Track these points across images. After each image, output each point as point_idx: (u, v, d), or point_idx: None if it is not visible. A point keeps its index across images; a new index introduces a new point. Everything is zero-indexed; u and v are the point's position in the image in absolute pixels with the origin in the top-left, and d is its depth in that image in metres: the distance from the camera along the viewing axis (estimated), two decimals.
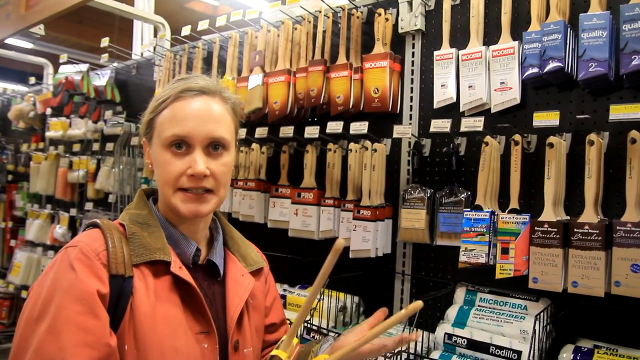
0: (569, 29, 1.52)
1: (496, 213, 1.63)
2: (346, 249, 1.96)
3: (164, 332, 1.01)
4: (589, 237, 1.41)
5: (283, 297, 2.08)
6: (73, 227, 3.70)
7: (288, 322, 1.76)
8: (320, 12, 2.15)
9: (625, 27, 1.39)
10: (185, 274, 1.07)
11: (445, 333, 1.57)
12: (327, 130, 2.01)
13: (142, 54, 3.35)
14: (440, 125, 1.73)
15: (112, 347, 0.95)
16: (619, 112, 1.39)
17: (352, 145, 2.02)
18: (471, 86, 1.74)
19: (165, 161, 1.08)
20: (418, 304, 1.00)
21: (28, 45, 7.12)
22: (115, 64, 3.49)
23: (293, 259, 2.30)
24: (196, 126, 1.07)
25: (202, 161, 1.07)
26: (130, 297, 1.00)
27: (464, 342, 1.52)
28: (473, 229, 1.63)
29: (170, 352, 1.01)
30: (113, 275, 0.99)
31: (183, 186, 1.07)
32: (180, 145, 1.07)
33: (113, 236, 1.04)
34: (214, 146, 1.10)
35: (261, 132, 2.30)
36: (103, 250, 1.01)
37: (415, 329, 1.52)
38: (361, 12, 2.08)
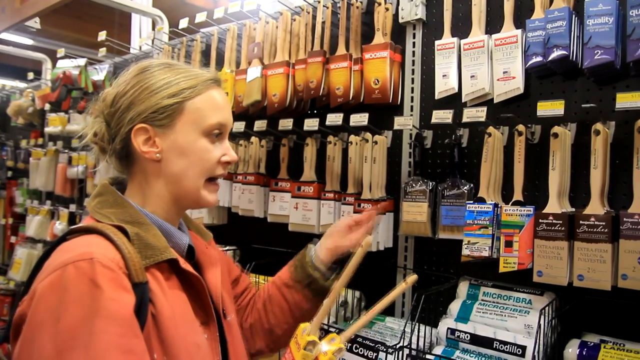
0: (573, 16, 1.48)
1: (499, 205, 1.59)
2: None
3: (185, 331, 0.99)
4: (595, 229, 1.38)
5: None
6: (73, 223, 3.68)
7: None
8: (319, 2, 2.11)
9: (632, 12, 1.35)
10: (191, 269, 1.05)
11: (448, 328, 1.54)
12: (327, 123, 1.98)
13: (140, 47, 3.32)
14: (442, 116, 1.70)
15: None
16: (625, 100, 1.35)
17: (352, 138, 1.99)
18: (473, 76, 1.70)
19: (205, 149, 1.08)
20: (415, 277, 1.14)
21: (28, 41, 7.10)
22: (115, 59, 3.46)
23: (293, 253, 2.26)
24: (229, 115, 1.13)
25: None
26: (149, 303, 0.94)
27: (467, 337, 1.49)
28: (476, 222, 1.60)
29: (194, 349, 0.99)
30: (135, 284, 0.92)
31: (216, 174, 1.10)
32: (219, 134, 1.11)
33: (123, 240, 0.96)
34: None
35: (260, 125, 2.27)
36: (120, 258, 0.92)
37: (417, 323, 1.50)
38: (361, 2, 2.04)
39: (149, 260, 0.98)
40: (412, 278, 1.14)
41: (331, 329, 1.62)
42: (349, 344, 1.55)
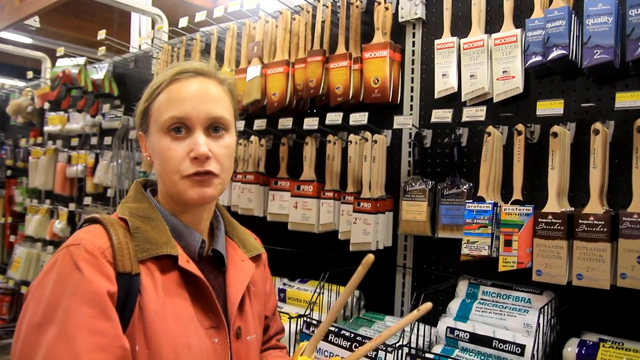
0: (573, 15, 1.48)
1: (499, 204, 1.59)
2: (346, 242, 1.93)
3: (175, 329, 0.98)
4: (594, 229, 1.38)
5: (283, 291, 2.06)
6: (72, 222, 3.68)
7: (287, 315, 1.74)
8: (319, 1, 2.11)
9: (631, 12, 1.35)
10: (193, 268, 1.04)
11: (448, 327, 1.54)
12: (327, 122, 1.98)
13: (139, 46, 3.31)
14: (442, 115, 1.70)
15: (126, 349, 0.91)
16: (624, 100, 1.35)
17: (352, 137, 1.99)
18: (473, 75, 1.70)
19: (165, 147, 1.03)
20: (429, 305, 1.12)
21: (27, 40, 7.09)
22: (114, 58, 3.46)
23: (293, 252, 2.27)
24: (195, 107, 1.04)
25: (203, 142, 1.03)
26: (138, 295, 0.95)
27: (467, 336, 1.49)
28: (475, 221, 1.60)
29: (183, 349, 0.97)
30: (120, 273, 0.94)
31: (187, 172, 1.03)
32: (180, 129, 1.04)
33: (117, 231, 0.99)
34: (215, 127, 1.07)
35: (260, 124, 2.27)
36: (108, 247, 0.95)
37: (416, 322, 1.50)
38: (360, 1, 2.04)
39: (145, 253, 1.00)
40: (426, 306, 1.11)
41: (330, 327, 1.62)
42: (348, 343, 1.55)
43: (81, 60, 3.45)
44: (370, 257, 1.05)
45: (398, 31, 1.96)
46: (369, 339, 1.55)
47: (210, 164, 1.04)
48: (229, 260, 1.17)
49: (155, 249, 1.01)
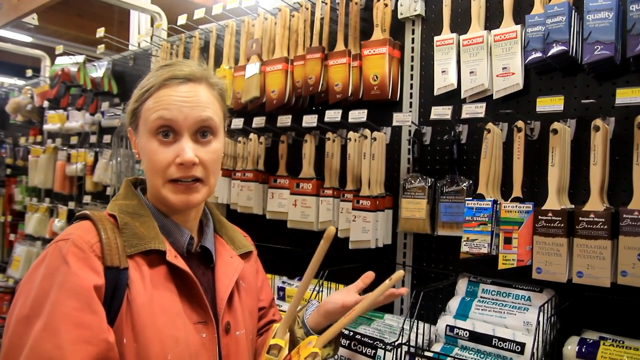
0: (573, 11, 1.47)
1: (499, 202, 1.58)
2: (345, 240, 1.92)
3: (162, 323, 0.99)
4: (594, 226, 1.37)
5: (282, 289, 2.05)
6: (71, 221, 3.68)
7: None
8: None
9: (632, 7, 1.34)
10: (181, 263, 1.05)
11: (447, 325, 1.53)
12: (326, 119, 1.97)
13: (139, 44, 3.30)
14: (441, 112, 1.69)
15: (110, 342, 0.92)
16: (625, 96, 1.34)
17: (351, 134, 1.98)
18: (472, 72, 1.69)
19: (152, 150, 1.05)
20: (401, 272, 1.20)
21: (26, 38, 7.08)
22: (113, 56, 3.45)
23: (292, 250, 2.27)
24: (183, 112, 1.05)
25: (190, 149, 1.04)
26: (126, 289, 0.97)
27: (466, 334, 1.48)
28: (475, 219, 1.59)
29: (170, 342, 0.99)
30: (108, 267, 0.96)
31: (172, 177, 1.05)
32: (167, 133, 1.05)
33: (105, 227, 1.01)
34: (202, 133, 1.08)
35: (259, 121, 2.26)
36: (96, 242, 0.98)
37: (416, 321, 1.49)
38: None
39: (134, 248, 1.01)
40: (398, 274, 1.14)
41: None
42: (347, 342, 1.55)
43: (80, 59, 3.44)
44: (331, 230, 1.08)
45: (397, 28, 1.95)
46: (368, 337, 1.54)
47: (196, 170, 1.06)
48: (218, 257, 1.18)
49: (144, 244, 1.02)
